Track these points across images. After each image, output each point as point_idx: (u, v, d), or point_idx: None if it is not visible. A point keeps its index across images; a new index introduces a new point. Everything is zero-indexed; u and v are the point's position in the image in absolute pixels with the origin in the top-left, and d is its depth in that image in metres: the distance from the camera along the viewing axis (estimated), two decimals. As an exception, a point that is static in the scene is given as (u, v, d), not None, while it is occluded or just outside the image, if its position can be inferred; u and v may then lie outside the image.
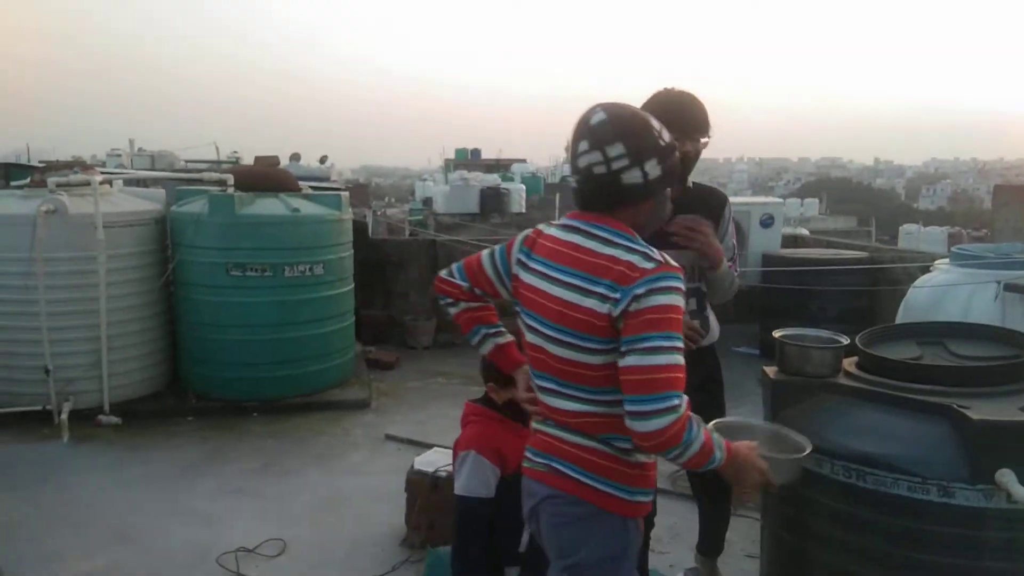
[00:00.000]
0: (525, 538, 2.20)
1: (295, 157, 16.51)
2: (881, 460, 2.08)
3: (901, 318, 4.04)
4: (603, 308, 1.72)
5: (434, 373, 6.79)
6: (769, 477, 1.87)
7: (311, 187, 6.88)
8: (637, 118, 1.82)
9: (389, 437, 5.17)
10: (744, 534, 3.77)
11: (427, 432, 5.21)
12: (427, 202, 23.40)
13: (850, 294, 6.86)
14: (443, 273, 2.14)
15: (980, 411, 2.02)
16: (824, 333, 2.53)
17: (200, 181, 6.70)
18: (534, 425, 1.97)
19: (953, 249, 4.30)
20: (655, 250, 1.77)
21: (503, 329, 2.16)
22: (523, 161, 32.93)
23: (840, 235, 14.06)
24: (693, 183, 2.96)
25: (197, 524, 3.95)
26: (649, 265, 1.72)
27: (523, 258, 1.93)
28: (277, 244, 5.66)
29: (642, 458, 1.86)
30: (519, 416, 2.26)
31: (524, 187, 20.57)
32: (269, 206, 5.80)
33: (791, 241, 9.01)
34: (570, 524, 1.87)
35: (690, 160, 2.74)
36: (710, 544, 3.30)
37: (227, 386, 5.68)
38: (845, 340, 2.44)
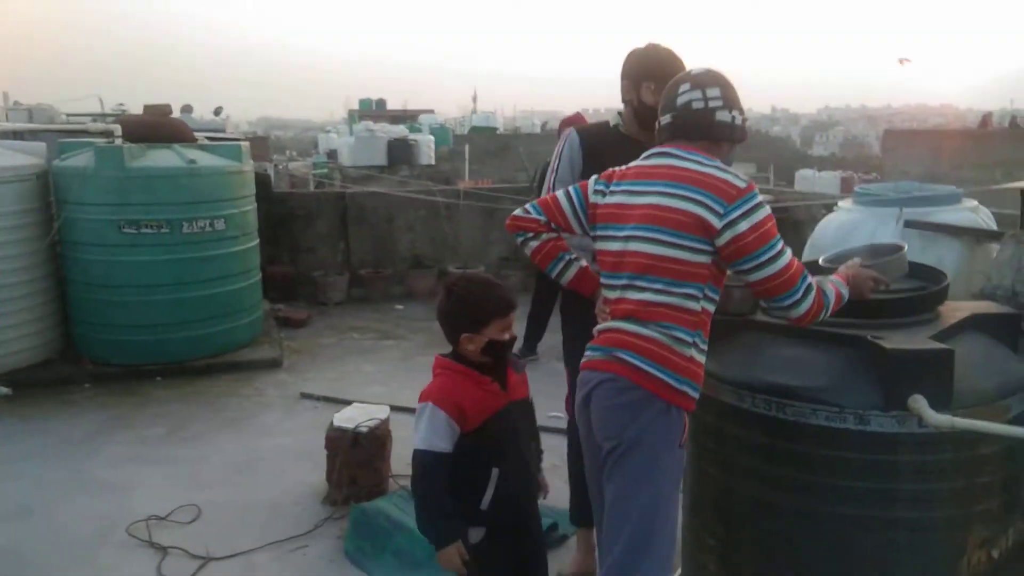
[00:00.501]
0: (488, 497, 2.19)
1: (187, 109, 15.62)
2: (800, 392, 2.12)
3: (807, 257, 4.17)
4: (706, 215, 1.97)
5: (347, 329, 6.64)
6: (882, 280, 2.22)
7: (208, 138, 6.50)
8: (727, 77, 2.15)
9: (304, 395, 5.03)
10: (663, 472, 3.86)
11: (344, 388, 5.10)
12: (332, 155, 22.67)
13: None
14: (517, 212, 2.30)
15: (892, 341, 2.09)
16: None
17: (85, 133, 6.23)
18: (599, 328, 2.16)
19: (857, 189, 4.44)
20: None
21: (579, 256, 2.37)
22: (431, 112, 32.35)
23: (742, 181, 14.45)
24: None
25: (104, 494, 3.75)
26: (743, 184, 2.00)
27: (602, 188, 2.18)
28: (173, 199, 5.34)
29: (695, 353, 2.05)
30: (489, 370, 2.22)
31: (433, 138, 20.16)
32: (162, 158, 5.45)
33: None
34: (620, 406, 2.03)
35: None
36: (586, 512, 2.72)
37: (126, 350, 5.38)
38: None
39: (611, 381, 2.05)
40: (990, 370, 2.21)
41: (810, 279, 2.05)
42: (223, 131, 13.48)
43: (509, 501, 2.24)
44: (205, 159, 5.59)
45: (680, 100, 2.10)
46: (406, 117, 30.05)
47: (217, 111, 19.05)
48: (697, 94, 2.08)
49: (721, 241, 1.98)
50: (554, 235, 2.29)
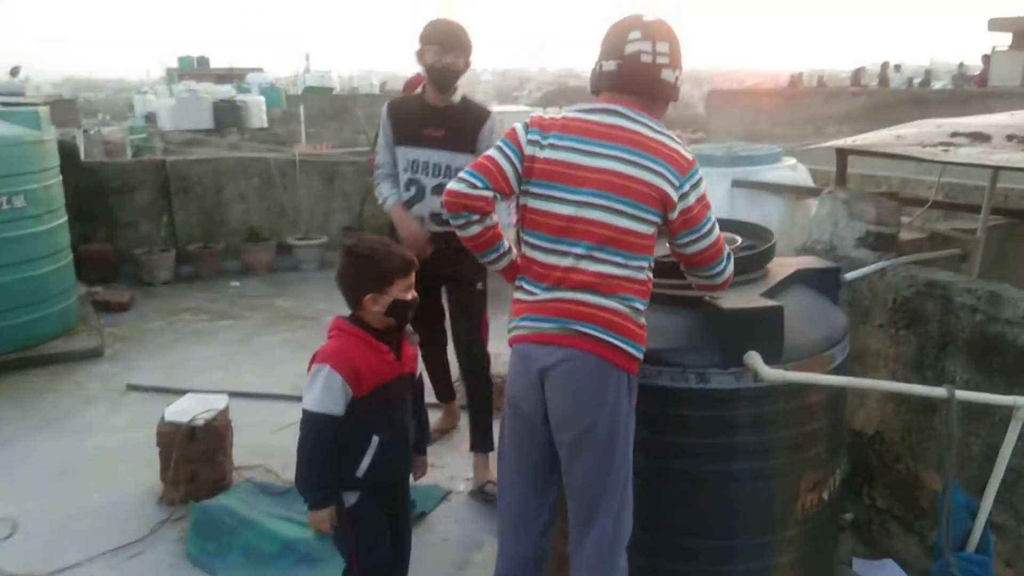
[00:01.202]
0: (364, 464, 2.20)
1: (-25, 69, 13.88)
2: (648, 355, 2.16)
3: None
4: (666, 188, 1.97)
5: (178, 310, 6.17)
6: None
7: (0, 103, 5.75)
8: (675, 31, 2.07)
9: (131, 387, 4.62)
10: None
11: (176, 377, 4.73)
12: (150, 118, 20.92)
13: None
14: (456, 187, 2.05)
15: (728, 300, 2.16)
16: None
17: None
18: (529, 298, 2.06)
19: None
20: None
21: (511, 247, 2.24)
22: (259, 71, 30.51)
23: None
24: (463, 97, 3.37)
25: None
26: (690, 156, 2.02)
27: (537, 138, 2.06)
28: (-41, 173, 4.69)
29: (643, 319, 2.06)
30: (386, 338, 2.21)
31: (263, 99, 19.01)
32: (-58, 129, 4.75)
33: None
34: (588, 385, 1.99)
35: (452, 73, 3.23)
36: (479, 439, 3.52)
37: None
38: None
39: (576, 358, 1.99)
40: (815, 323, 2.35)
41: (727, 247, 2.16)
42: (22, 94, 12.09)
43: (385, 468, 2.25)
44: (-4, 128, 4.94)
45: (628, 49, 2.02)
46: (232, 76, 28.17)
47: (14, 71, 17.12)
48: (647, 46, 2.01)
49: (674, 214, 1.99)
50: (492, 221, 2.11)
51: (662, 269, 2.36)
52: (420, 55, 3.27)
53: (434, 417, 3.61)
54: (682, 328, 2.24)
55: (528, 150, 2.06)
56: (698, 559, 2.30)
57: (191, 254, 7.13)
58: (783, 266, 2.55)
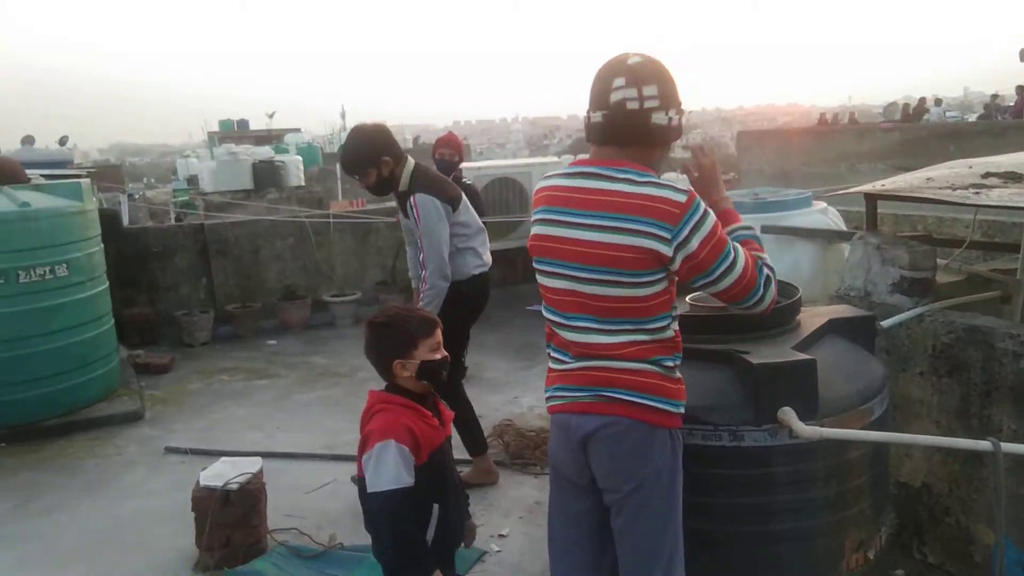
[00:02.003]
0: (430, 534, 2.16)
1: (28, 140, 14.44)
2: (678, 412, 2.11)
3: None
4: (656, 246, 1.84)
5: (216, 371, 6.25)
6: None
7: (42, 175, 5.98)
8: (668, 69, 1.96)
9: (169, 450, 4.66)
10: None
11: (214, 438, 4.78)
12: (192, 180, 21.55)
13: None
14: None
15: (759, 355, 2.12)
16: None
17: None
18: (557, 367, 2.04)
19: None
20: (674, 181, 1.91)
21: None
22: (297, 131, 31.37)
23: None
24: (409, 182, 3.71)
25: (-64, 590, 3.32)
26: (683, 198, 1.86)
27: (536, 215, 2.04)
28: (6, 246, 4.84)
29: (679, 373, 2.00)
30: (424, 400, 2.21)
31: (300, 158, 19.50)
32: (-10, 200, 4.94)
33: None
34: (630, 447, 1.95)
35: (371, 187, 3.73)
36: (473, 446, 3.91)
37: (-41, 417, 4.83)
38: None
39: (612, 424, 1.95)
40: (851, 375, 2.28)
41: (765, 269, 1.99)
42: (70, 161, 12.56)
43: (448, 537, 2.22)
44: (40, 200, 5.11)
45: (614, 97, 1.90)
46: (271, 137, 29.00)
47: (62, 140, 17.75)
48: (632, 92, 1.89)
49: (675, 265, 1.88)
50: None
51: (687, 324, 2.34)
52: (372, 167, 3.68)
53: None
54: (712, 384, 2.19)
55: (531, 228, 2.07)
56: (742, 624, 2.21)
57: (229, 314, 7.25)
58: (815, 316, 2.50)
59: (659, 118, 1.91)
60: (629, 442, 1.95)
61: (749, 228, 2.12)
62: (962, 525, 2.68)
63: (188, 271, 7.35)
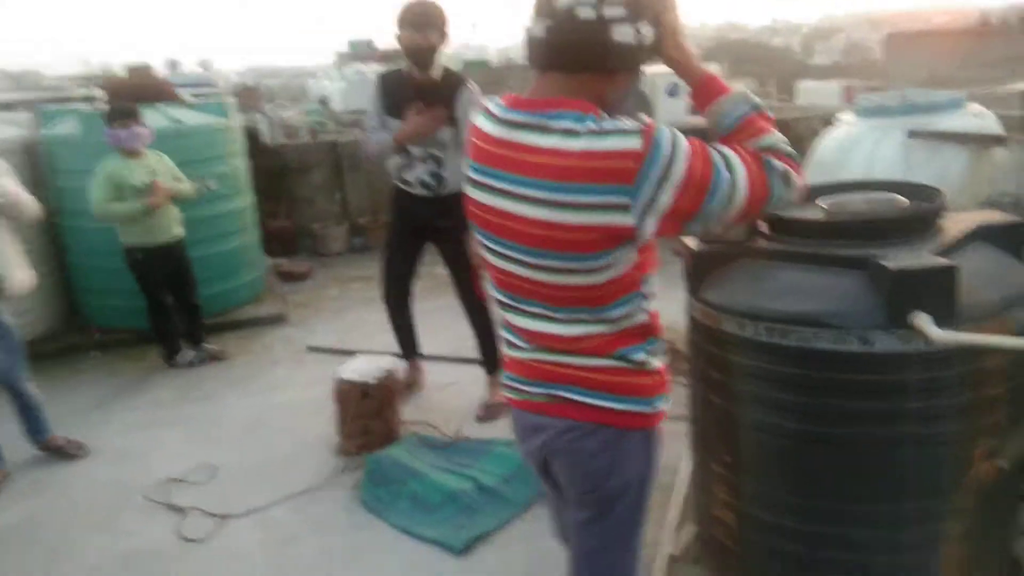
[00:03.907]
0: None
1: (173, 65, 15.37)
2: (802, 317, 2.09)
3: (810, 175, 4.08)
4: (610, 219, 1.39)
5: (350, 279, 6.62)
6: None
7: (192, 95, 6.37)
8: None
9: (311, 349, 5.04)
10: (675, 401, 3.88)
11: (351, 339, 5.11)
12: (323, 101, 22.25)
13: (757, 156, 6.93)
14: None
15: (894, 260, 2.04)
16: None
17: (69, 99, 6.11)
18: (512, 353, 1.69)
19: (858, 100, 4.31)
20: (621, 118, 1.41)
21: None
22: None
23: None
24: (444, 70, 3.64)
25: (118, 460, 3.80)
26: (636, 142, 1.37)
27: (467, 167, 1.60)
28: (162, 160, 5.25)
29: (657, 364, 1.64)
30: None
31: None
32: (149, 120, 5.33)
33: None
34: (589, 457, 1.62)
35: (427, 51, 3.50)
36: (487, 359, 3.98)
37: (130, 316, 5.36)
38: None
39: (569, 431, 1.62)
40: (995, 282, 2.16)
41: (773, 161, 1.50)
42: (212, 84, 13.27)
43: None
44: (191, 117, 5.48)
45: (561, 1, 1.40)
46: (396, 57, 29.34)
47: (204, 64, 18.68)
48: None
49: (647, 231, 1.42)
50: None
51: (821, 230, 2.28)
52: (398, 38, 3.54)
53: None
54: (844, 289, 2.12)
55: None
56: (862, 524, 2.20)
57: (361, 227, 7.59)
58: (961, 222, 2.36)
59: (623, 33, 1.40)
60: (588, 451, 1.61)
61: (744, 99, 1.58)
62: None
63: (323, 186, 7.71)
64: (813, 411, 2.15)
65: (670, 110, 7.67)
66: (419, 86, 3.59)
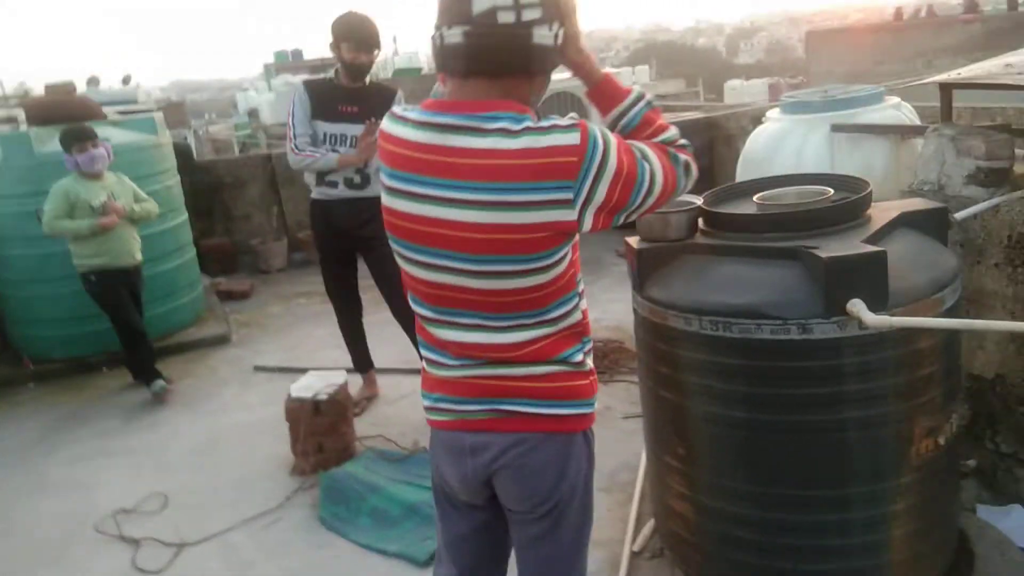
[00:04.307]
0: None
1: (93, 82, 14.88)
2: (744, 309, 2.16)
3: (740, 171, 4.21)
4: (555, 215, 1.40)
5: (293, 295, 6.53)
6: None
7: (118, 112, 6.20)
8: None
9: (258, 368, 4.96)
10: (622, 398, 3.96)
11: (297, 357, 5.05)
12: (253, 114, 21.88)
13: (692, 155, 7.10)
14: None
15: (827, 249, 2.13)
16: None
17: (-15, 122, 5.89)
18: (436, 372, 1.62)
19: (783, 98, 4.47)
20: (553, 116, 1.44)
21: None
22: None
23: (672, 98, 14.49)
24: (369, 81, 3.84)
25: (66, 493, 3.68)
26: (575, 138, 1.38)
27: (381, 177, 1.54)
28: (91, 182, 5.10)
29: (590, 363, 1.65)
30: None
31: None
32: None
33: (629, 109, 9.13)
34: (541, 467, 1.60)
35: (366, 67, 3.71)
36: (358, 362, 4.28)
37: (67, 344, 5.22)
38: (699, 201, 2.49)
39: (518, 444, 1.58)
40: (922, 265, 2.28)
41: (680, 156, 1.58)
42: (135, 101, 12.91)
43: None
44: (118, 136, 5.32)
45: (479, 6, 1.37)
46: (325, 66, 29.00)
47: (126, 80, 18.16)
48: None
49: (585, 226, 1.45)
50: None
51: (755, 223, 2.37)
52: (335, 48, 3.66)
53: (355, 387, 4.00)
54: (780, 280, 2.21)
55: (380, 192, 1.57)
56: (812, 509, 2.29)
57: (301, 241, 7.50)
58: (887, 211, 2.47)
59: (542, 35, 1.41)
60: (540, 461, 1.60)
61: (642, 98, 1.63)
62: (1036, 414, 2.68)
63: (259, 201, 7.60)
64: (759, 400, 2.23)
65: (604, 112, 7.80)
66: (351, 92, 3.73)
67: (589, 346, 1.66)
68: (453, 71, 1.44)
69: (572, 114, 1.47)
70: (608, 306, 5.08)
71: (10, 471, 3.91)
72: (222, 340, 5.52)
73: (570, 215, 1.41)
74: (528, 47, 1.40)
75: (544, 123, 1.40)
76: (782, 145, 3.99)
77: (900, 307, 2.12)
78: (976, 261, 2.80)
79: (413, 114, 1.48)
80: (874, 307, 2.05)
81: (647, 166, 1.49)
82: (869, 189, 2.43)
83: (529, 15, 1.38)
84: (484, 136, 1.39)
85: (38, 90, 10.48)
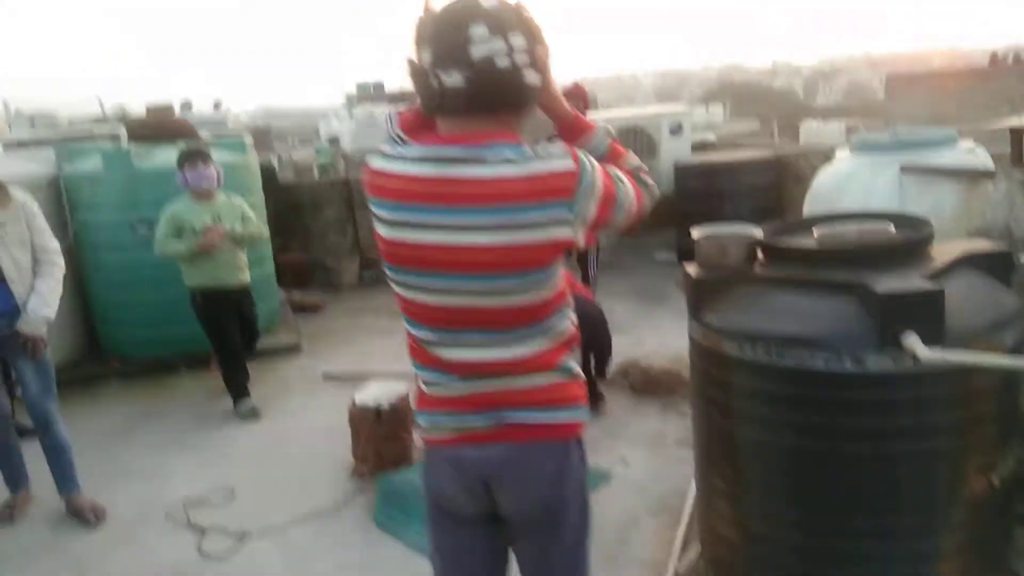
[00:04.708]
0: None
1: (186, 106, 15.73)
2: (798, 339, 2.21)
3: (807, 209, 4.23)
4: (559, 233, 1.53)
5: (362, 311, 6.77)
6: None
7: (211, 134, 6.60)
8: (527, 10, 1.56)
9: (326, 376, 5.16)
10: (676, 426, 3.99)
11: (363, 368, 5.23)
12: (333, 141, 22.61)
13: (760, 192, 7.11)
14: None
15: (885, 284, 2.17)
16: (737, 227, 2.63)
17: (91, 138, 6.34)
18: (436, 391, 1.68)
19: (853, 138, 4.48)
20: (549, 143, 1.57)
21: None
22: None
23: (745, 137, 14.39)
24: None
25: (140, 481, 3.91)
26: (570, 163, 1.52)
27: (377, 212, 1.60)
28: (183, 194, 5.43)
29: (577, 368, 1.75)
30: None
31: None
32: (169, 157, 5.51)
33: (700, 147, 9.21)
34: (546, 473, 1.69)
35: None
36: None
37: (150, 345, 5.53)
38: (757, 232, 2.55)
39: (523, 452, 1.67)
40: (982, 305, 2.29)
41: (645, 178, 1.76)
42: (225, 125, 13.57)
43: None
44: (213, 154, 5.67)
45: (476, 52, 1.47)
46: (404, 97, 29.80)
47: (216, 105, 19.07)
48: (499, 44, 1.48)
49: (580, 240, 1.59)
50: None
51: (817, 258, 2.41)
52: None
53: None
54: (838, 313, 2.24)
55: (375, 227, 1.63)
56: (859, 538, 2.30)
57: (373, 260, 7.77)
58: (951, 251, 2.49)
59: (531, 77, 1.55)
60: (545, 468, 1.69)
61: (607, 132, 1.80)
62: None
63: (335, 221, 7.91)
64: (809, 428, 2.26)
65: (671, 149, 7.86)
66: None
67: (577, 352, 1.76)
68: (452, 110, 1.54)
69: (558, 143, 1.59)
70: (666, 337, 5.11)
71: (92, 458, 4.16)
72: (294, 349, 5.77)
73: (569, 232, 1.54)
74: (522, 87, 1.54)
75: (541, 151, 1.53)
76: (849, 184, 4.01)
77: (957, 344, 2.13)
78: (1043, 306, 2.76)
79: (410, 151, 1.58)
80: (929, 343, 2.07)
81: (623, 187, 1.65)
82: (931, 228, 2.45)
83: (519, 59, 1.51)
84: (488, 166, 1.50)
85: (138, 112, 11.17)
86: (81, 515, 3.57)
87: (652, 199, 1.76)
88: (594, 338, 4.10)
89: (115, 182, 5.39)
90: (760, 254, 2.54)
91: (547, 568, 1.81)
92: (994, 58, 18.91)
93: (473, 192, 1.50)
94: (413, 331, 1.68)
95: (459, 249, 1.52)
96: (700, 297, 2.53)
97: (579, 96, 6.01)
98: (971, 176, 3.71)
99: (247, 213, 4.78)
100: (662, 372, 4.48)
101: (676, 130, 7.99)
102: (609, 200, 1.60)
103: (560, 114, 1.75)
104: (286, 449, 4.16)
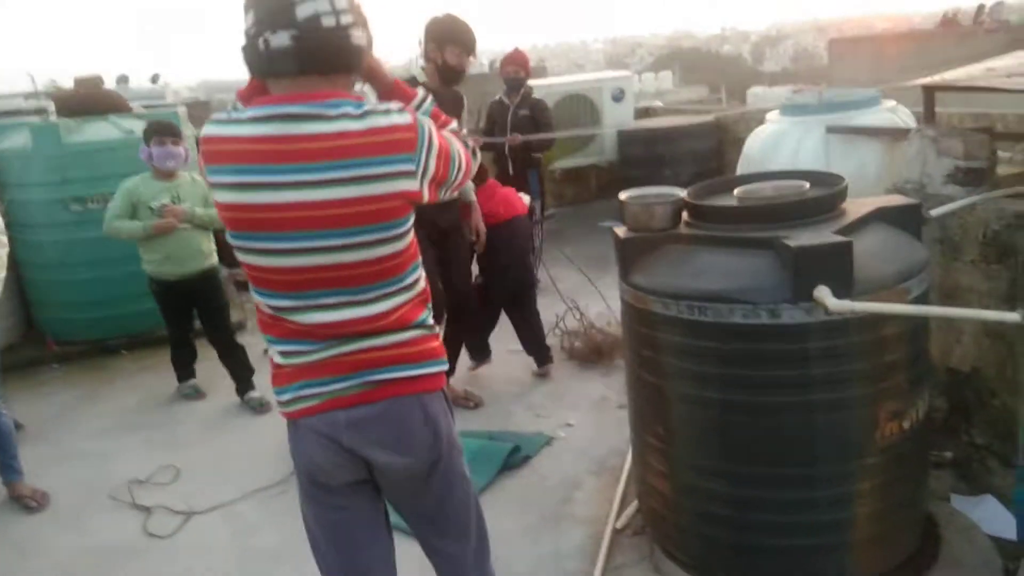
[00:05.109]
0: None
1: (122, 79, 15.20)
2: (718, 295, 2.29)
3: (741, 170, 4.32)
4: (405, 185, 1.57)
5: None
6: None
7: (143, 106, 6.43)
8: None
9: (268, 352, 5.13)
10: (619, 391, 4.08)
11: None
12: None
13: (700, 157, 7.21)
14: None
15: (798, 239, 2.25)
16: (664, 189, 2.70)
17: (18, 112, 6.14)
18: (296, 360, 1.67)
19: (782, 101, 4.58)
20: (387, 101, 1.64)
21: None
22: (375, 61, 31.46)
23: (694, 104, 14.51)
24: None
25: (83, 464, 3.87)
26: (408, 118, 1.58)
27: (212, 179, 1.58)
28: (115, 171, 5.22)
29: (433, 323, 1.79)
30: None
31: (379, 88, 19.74)
32: (99, 131, 5.41)
33: (643, 114, 9.26)
34: (416, 427, 1.71)
35: (465, 71, 3.63)
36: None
37: (89, 327, 5.43)
38: (681, 194, 2.62)
39: (390, 410, 1.68)
40: (891, 257, 2.39)
41: (467, 141, 1.89)
42: (163, 99, 13.20)
43: None
44: (140, 128, 5.54)
45: (301, 12, 1.51)
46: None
47: (154, 78, 18.49)
48: (324, 5, 1.52)
49: (425, 195, 1.63)
50: None
51: (735, 215, 2.49)
52: (436, 51, 3.55)
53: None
54: (753, 268, 2.33)
55: (216, 197, 1.61)
56: (779, 486, 2.40)
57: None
58: (864, 206, 2.58)
59: (358, 37, 1.59)
60: (416, 421, 1.71)
61: (427, 97, 1.86)
62: (1008, 407, 2.77)
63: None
64: (731, 381, 2.36)
65: (614, 115, 7.90)
66: (444, 95, 3.44)
67: (431, 309, 1.80)
68: (282, 72, 1.55)
69: (464, 115, 1.73)
70: (611, 303, 5.19)
71: (34, 444, 4.11)
72: (237, 327, 5.69)
73: (415, 184, 1.59)
74: (350, 47, 1.58)
75: (380, 106, 1.58)
76: (779, 145, 4.11)
77: (866, 295, 2.23)
78: (953, 258, 2.90)
79: (245, 113, 1.56)
80: (840, 294, 2.17)
81: (455, 145, 1.73)
82: (844, 184, 2.55)
83: (345, 19, 1.55)
84: (330, 121, 1.52)
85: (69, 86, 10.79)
86: (23, 501, 3.52)
87: (476, 160, 1.89)
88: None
89: (45, 158, 5.24)
90: (685, 214, 2.61)
91: (443, 519, 1.85)
92: (945, 18, 19.24)
93: (318, 148, 1.51)
94: (267, 301, 1.65)
95: (311, 204, 1.52)
96: (628, 258, 2.60)
97: (520, 63, 6.00)
98: (891, 134, 3.83)
99: (210, 196, 4.61)
100: (606, 338, 4.56)
101: (619, 97, 8.02)
102: (447, 156, 1.67)
103: (382, 81, 1.79)
104: (232, 426, 4.16)
